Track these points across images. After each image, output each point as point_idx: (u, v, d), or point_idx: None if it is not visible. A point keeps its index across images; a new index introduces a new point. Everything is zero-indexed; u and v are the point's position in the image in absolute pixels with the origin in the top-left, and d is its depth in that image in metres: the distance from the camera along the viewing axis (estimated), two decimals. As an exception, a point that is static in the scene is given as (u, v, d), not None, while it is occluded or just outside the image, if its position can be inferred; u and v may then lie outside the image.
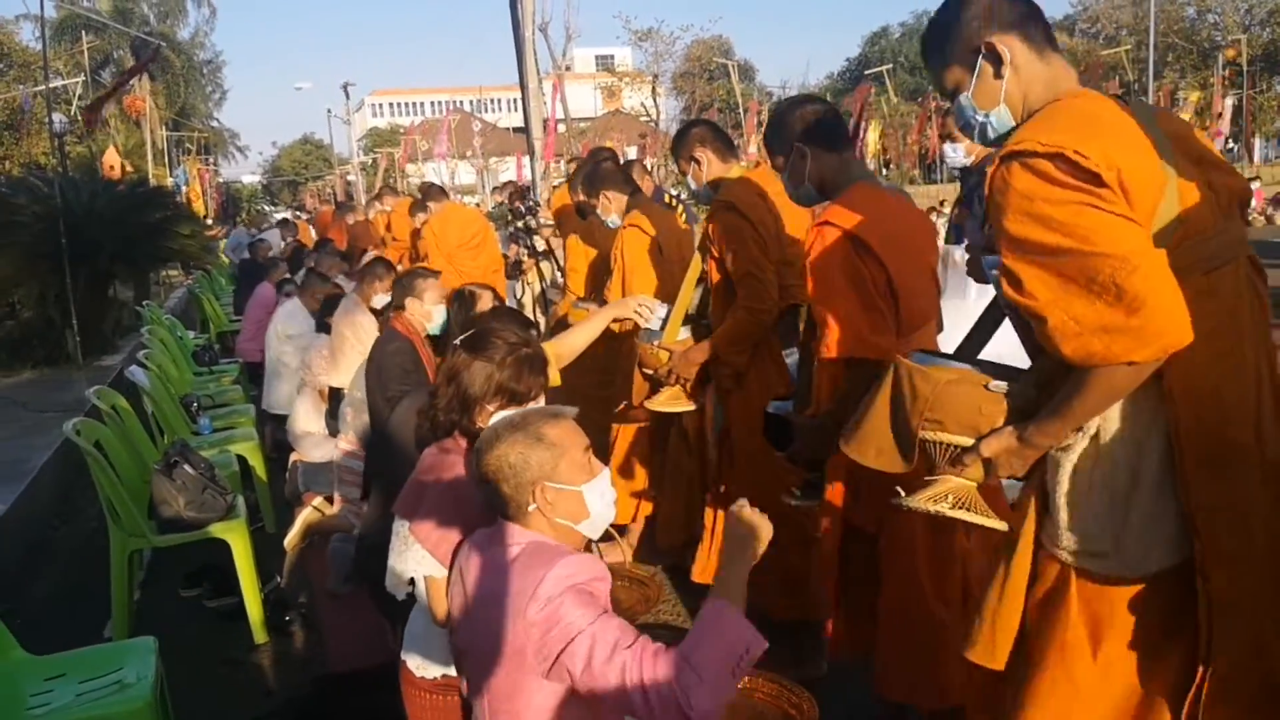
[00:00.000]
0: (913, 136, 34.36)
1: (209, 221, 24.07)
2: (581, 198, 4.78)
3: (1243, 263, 1.61)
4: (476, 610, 1.83)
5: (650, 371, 3.42)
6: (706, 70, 45.32)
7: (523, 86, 12.14)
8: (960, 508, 1.73)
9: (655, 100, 40.10)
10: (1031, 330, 1.54)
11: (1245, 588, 1.52)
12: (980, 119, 1.71)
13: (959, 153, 3.77)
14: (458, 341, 2.31)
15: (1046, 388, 1.61)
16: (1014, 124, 1.67)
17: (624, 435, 4.32)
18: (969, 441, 1.69)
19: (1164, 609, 1.59)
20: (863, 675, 2.97)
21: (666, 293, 3.70)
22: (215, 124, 45.98)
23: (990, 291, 1.64)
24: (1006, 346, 1.91)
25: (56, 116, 14.06)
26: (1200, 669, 1.54)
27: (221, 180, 42.00)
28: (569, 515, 1.87)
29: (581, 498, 1.87)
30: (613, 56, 55.22)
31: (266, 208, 45.60)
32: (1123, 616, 1.62)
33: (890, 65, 44.09)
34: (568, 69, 32.22)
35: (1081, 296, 1.44)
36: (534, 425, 1.87)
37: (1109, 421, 1.57)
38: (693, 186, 3.35)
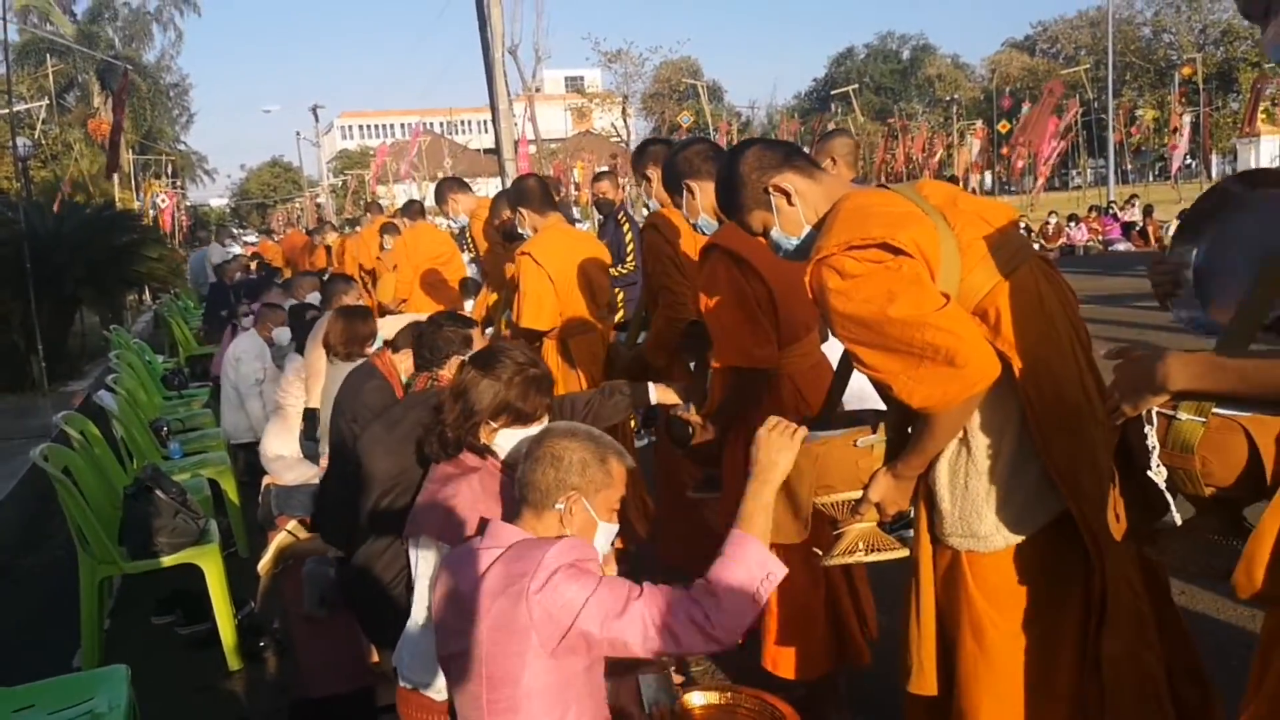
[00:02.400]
0: (879, 155, 34.81)
1: (176, 245, 23.83)
2: (504, 220, 5.02)
3: (1033, 259, 1.92)
4: (471, 604, 1.84)
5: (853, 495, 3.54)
6: (676, 91, 45.67)
7: (493, 108, 12.20)
8: (873, 551, 2.05)
9: (625, 121, 40.30)
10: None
11: (1104, 516, 1.68)
12: (793, 243, 2.06)
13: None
14: (467, 358, 2.40)
15: (900, 428, 1.95)
16: (814, 233, 2.00)
17: None
18: (859, 493, 2.01)
19: (1048, 564, 1.84)
20: (851, 687, 2.99)
21: (568, 309, 3.99)
22: (183, 147, 45.57)
23: None
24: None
25: (20, 141, 13.89)
26: (1083, 602, 1.80)
27: (189, 204, 41.61)
28: (578, 534, 1.91)
29: (595, 528, 1.94)
30: (582, 78, 55.55)
31: (235, 230, 45.23)
32: (1015, 581, 1.86)
33: (856, 85, 44.73)
34: (538, 90, 32.32)
35: (913, 363, 1.74)
36: (608, 450, 1.95)
37: (971, 420, 1.84)
38: (645, 200, 3.70)
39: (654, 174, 3.51)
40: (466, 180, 7.00)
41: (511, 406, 2.25)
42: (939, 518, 1.91)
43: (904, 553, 2.04)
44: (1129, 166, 40.28)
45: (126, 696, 2.55)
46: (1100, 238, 19.13)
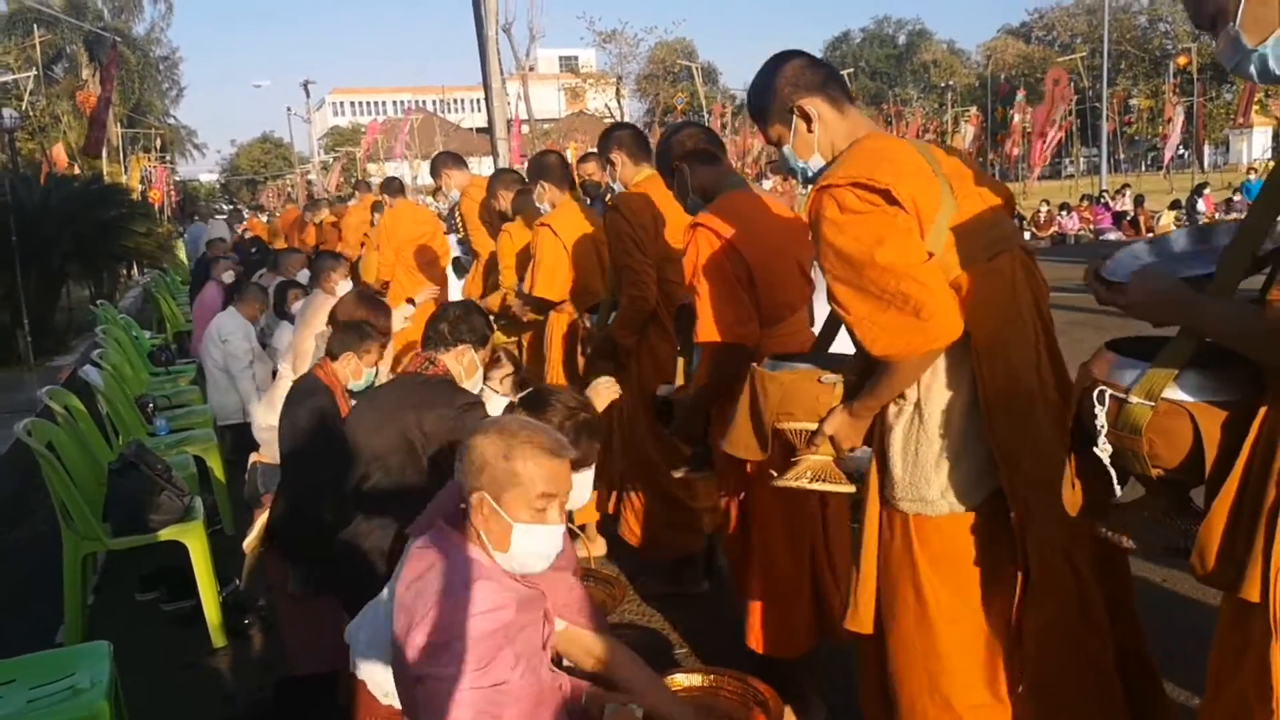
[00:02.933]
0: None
1: (166, 220, 23.64)
2: (501, 204, 5.20)
3: (1016, 251, 1.99)
4: (392, 630, 1.84)
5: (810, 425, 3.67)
6: (670, 73, 45.45)
7: (486, 87, 12.10)
8: (817, 480, 2.16)
9: (619, 102, 40.13)
10: None
11: (1045, 503, 1.78)
12: (800, 165, 2.10)
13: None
14: (516, 400, 2.35)
15: (863, 372, 2.01)
16: (825, 166, 2.04)
17: None
18: (814, 425, 2.11)
19: (988, 536, 1.92)
20: (831, 665, 3.00)
21: (580, 287, 4.19)
22: (172, 121, 45.18)
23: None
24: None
25: (6, 112, 13.71)
26: (1020, 577, 1.87)
27: (179, 179, 41.28)
28: (491, 538, 1.84)
29: (509, 532, 1.81)
30: (576, 58, 55.20)
31: (225, 206, 44.90)
32: (956, 548, 1.94)
33: (851, 70, 44.55)
34: (531, 69, 32.13)
35: (881, 308, 1.82)
36: (518, 445, 1.81)
37: (926, 390, 1.92)
38: (610, 183, 3.82)
39: (618, 158, 3.68)
40: (464, 158, 6.95)
41: None
42: (890, 481, 2.00)
43: (850, 489, 2.15)
44: (1122, 156, 40.32)
45: (108, 672, 2.54)
46: (1091, 227, 19.18)
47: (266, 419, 4.74)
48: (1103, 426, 1.48)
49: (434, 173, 6.30)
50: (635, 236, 3.61)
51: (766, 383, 2.15)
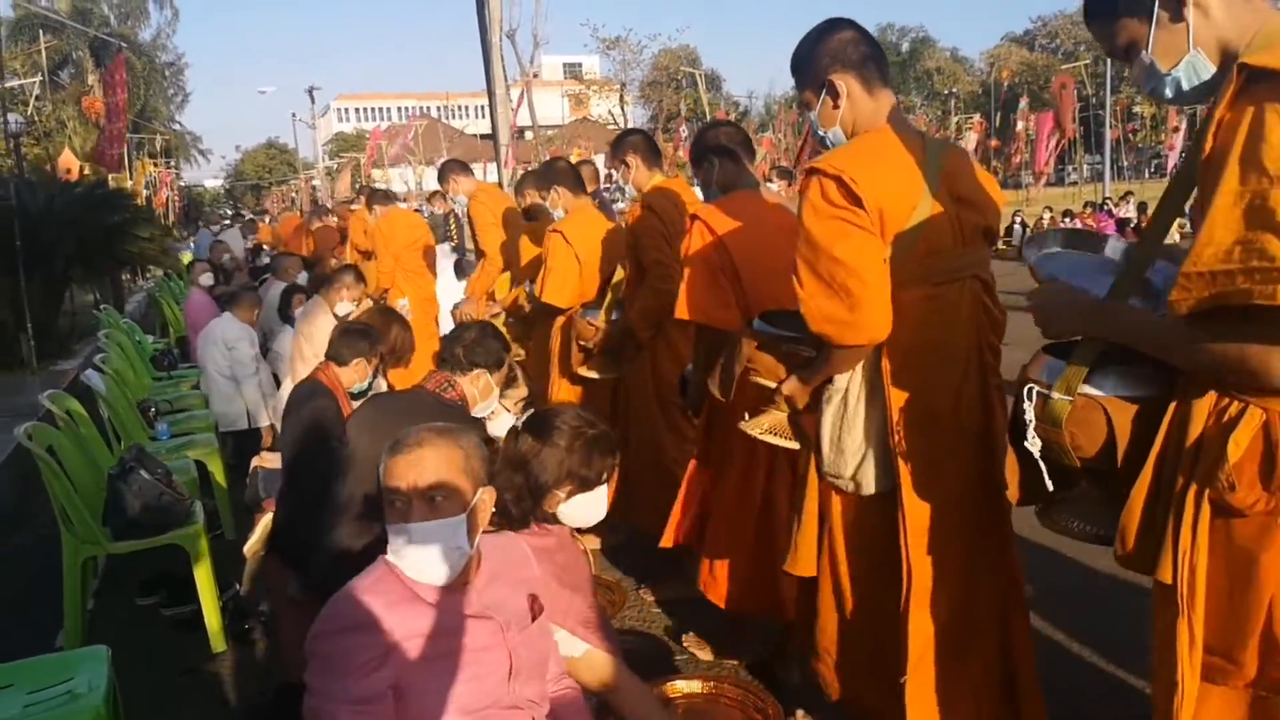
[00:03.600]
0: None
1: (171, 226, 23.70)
2: (528, 201, 5.27)
3: (971, 280, 2.12)
4: None
5: (585, 343, 3.99)
6: (674, 79, 45.50)
7: (490, 93, 12.12)
8: (769, 434, 2.43)
9: (623, 108, 40.19)
10: None
11: (935, 510, 2.04)
12: (821, 134, 2.20)
13: None
14: (520, 425, 2.33)
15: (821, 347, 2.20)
16: (845, 141, 2.15)
17: None
18: (774, 384, 2.35)
19: (887, 525, 2.10)
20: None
21: (586, 290, 4.26)
22: (177, 127, 45.29)
23: None
24: None
25: (12, 117, 13.76)
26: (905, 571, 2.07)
27: (183, 184, 41.38)
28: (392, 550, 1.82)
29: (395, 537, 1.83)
30: (580, 64, 55.31)
31: (228, 212, 44.92)
32: (860, 527, 2.18)
33: (855, 76, 44.44)
34: (535, 76, 32.16)
35: (824, 292, 2.00)
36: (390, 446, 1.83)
37: (853, 384, 2.11)
38: (622, 185, 3.94)
39: (633, 161, 3.82)
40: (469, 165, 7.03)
41: (576, 474, 2.21)
42: (820, 456, 2.19)
43: (795, 445, 2.41)
44: (1125, 163, 40.27)
45: (107, 677, 2.53)
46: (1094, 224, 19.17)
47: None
48: (1031, 421, 1.58)
49: (441, 179, 6.40)
50: (665, 232, 3.70)
51: (744, 344, 2.45)
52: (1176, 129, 28.30)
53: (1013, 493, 1.70)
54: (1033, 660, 2.20)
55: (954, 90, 47.67)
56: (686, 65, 43.19)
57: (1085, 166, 41.21)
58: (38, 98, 21.16)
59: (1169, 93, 1.50)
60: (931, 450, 2.04)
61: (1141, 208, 19.80)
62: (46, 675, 2.56)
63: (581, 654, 2.12)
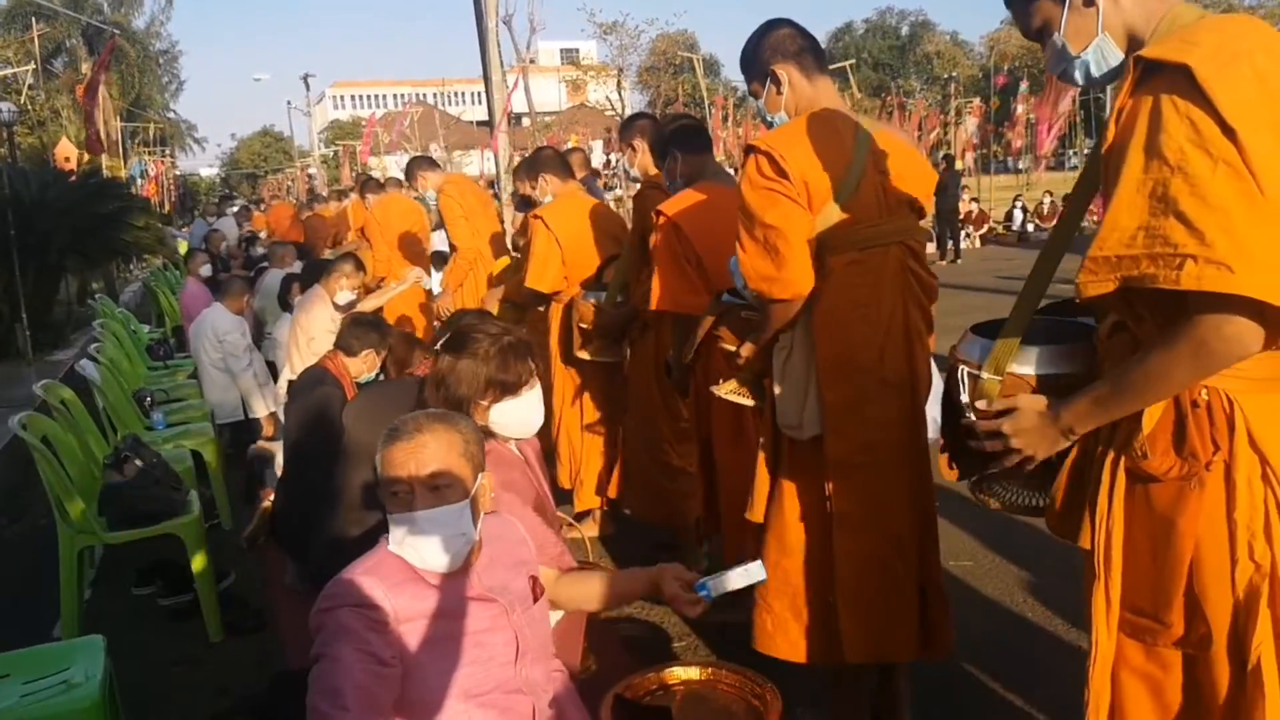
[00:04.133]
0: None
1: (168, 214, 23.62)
2: (527, 190, 5.24)
3: (897, 247, 2.36)
4: None
5: (584, 325, 4.04)
6: (671, 65, 45.29)
7: (486, 79, 12.04)
8: (733, 394, 2.65)
9: (620, 94, 40.02)
10: None
11: (854, 448, 2.29)
12: (769, 119, 2.47)
13: None
14: (438, 347, 2.30)
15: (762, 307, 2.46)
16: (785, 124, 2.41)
17: (569, 418, 4.33)
18: (733, 348, 2.69)
19: (822, 461, 2.34)
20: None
21: (571, 274, 4.25)
22: (172, 115, 45.09)
23: None
24: None
25: (5, 106, 13.68)
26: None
27: (179, 173, 41.22)
28: (394, 539, 1.83)
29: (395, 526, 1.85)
30: (577, 50, 55.06)
31: (234, 201, 44.80)
32: (805, 466, 2.40)
33: (854, 60, 44.36)
34: (532, 62, 32.02)
35: (759, 253, 2.29)
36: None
37: (795, 339, 2.36)
38: (628, 168, 4.01)
39: (639, 145, 3.83)
40: (459, 151, 7.03)
41: (495, 380, 2.20)
42: (772, 409, 2.44)
43: (751, 402, 2.64)
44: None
45: (103, 667, 2.53)
46: (1095, 218, 19.12)
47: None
48: (966, 401, 1.67)
49: (409, 177, 6.47)
50: None
51: (712, 307, 2.78)
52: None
53: (949, 469, 1.81)
54: (940, 575, 2.51)
55: (953, 74, 47.49)
56: (684, 50, 42.95)
57: (1086, 151, 41.09)
58: (31, 86, 21.03)
59: (1079, 76, 1.56)
60: (853, 396, 2.29)
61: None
62: (43, 665, 2.55)
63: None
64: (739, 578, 1.98)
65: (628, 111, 37.16)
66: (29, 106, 19.51)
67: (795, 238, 2.25)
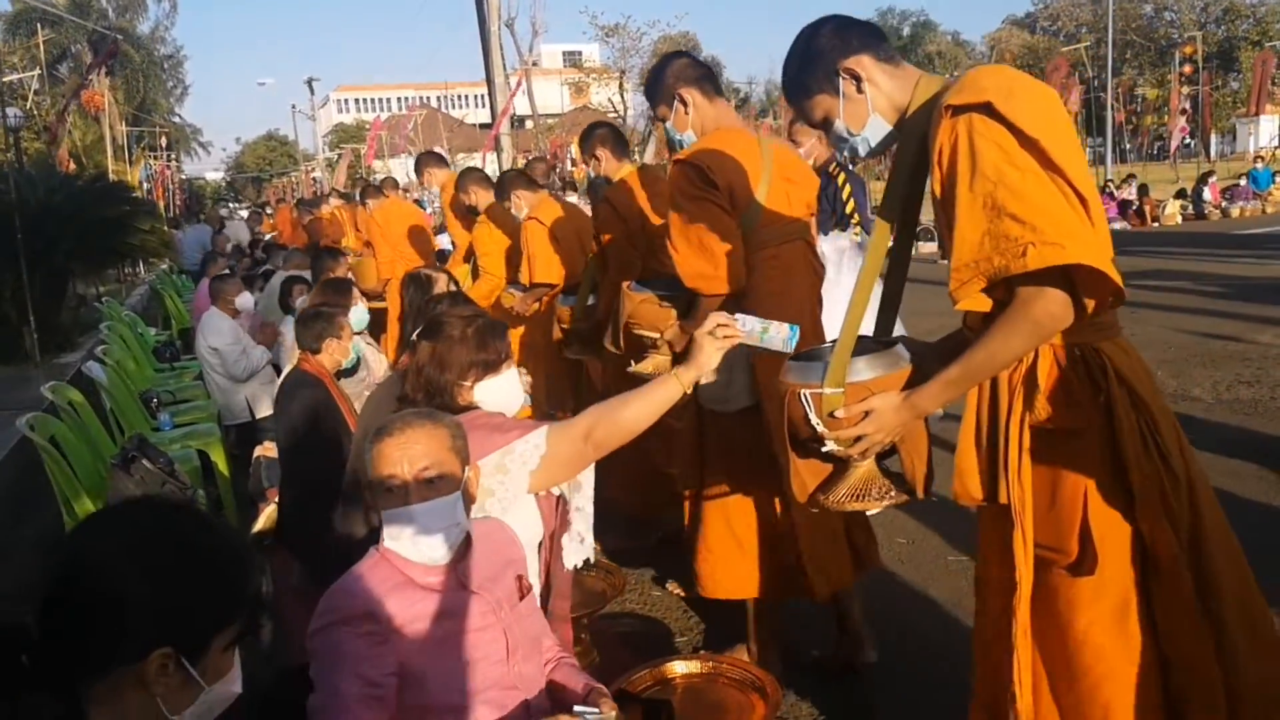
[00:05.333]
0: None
1: (175, 218, 23.67)
2: (471, 200, 5.54)
3: (799, 242, 2.79)
4: None
5: (564, 325, 4.16)
6: (674, 66, 45.23)
7: (489, 82, 12.12)
8: (656, 371, 2.84)
9: (623, 96, 40.04)
10: None
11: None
12: (678, 137, 2.83)
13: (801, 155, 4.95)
14: (414, 336, 2.33)
15: (690, 302, 2.78)
16: (694, 140, 2.77)
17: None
18: (656, 335, 2.93)
19: (756, 427, 2.66)
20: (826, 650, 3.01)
21: (569, 272, 4.58)
22: (177, 120, 45.23)
23: (846, 273, 2.33)
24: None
25: (11, 111, 13.77)
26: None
27: (184, 177, 41.35)
28: (389, 535, 1.86)
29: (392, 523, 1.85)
30: (580, 52, 55.09)
31: (232, 205, 44.82)
32: (735, 435, 2.74)
33: (856, 61, 44.22)
34: (535, 65, 32.07)
35: (693, 253, 2.63)
36: (368, 448, 1.86)
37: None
38: (590, 174, 4.36)
39: (602, 153, 4.07)
40: (463, 154, 7.12)
41: (477, 360, 2.23)
42: (700, 388, 2.58)
43: (651, 374, 2.81)
44: (1127, 145, 40.11)
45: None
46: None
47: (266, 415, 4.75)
48: (815, 420, 1.80)
49: (418, 171, 6.63)
50: (623, 221, 3.96)
51: (625, 300, 2.97)
52: (1185, 113, 28.14)
53: (801, 490, 1.93)
54: (872, 533, 2.98)
55: (955, 74, 47.38)
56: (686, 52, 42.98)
57: (1088, 149, 41.05)
58: (37, 92, 21.12)
59: (862, 150, 1.88)
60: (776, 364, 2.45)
61: (1144, 190, 19.73)
62: (52, 661, 2.58)
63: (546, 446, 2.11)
64: (773, 334, 2.07)
65: (630, 113, 37.18)
66: (35, 112, 19.57)
67: (727, 239, 2.58)
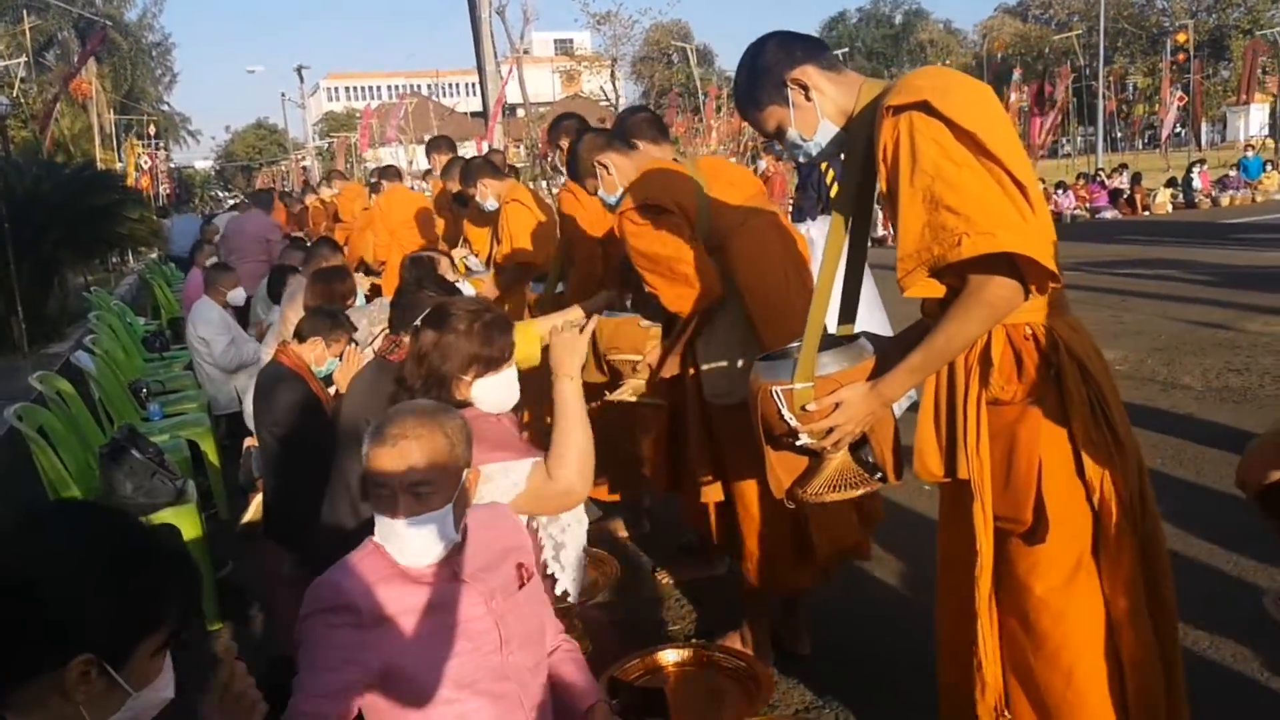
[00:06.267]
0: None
1: (164, 208, 23.54)
2: (457, 188, 5.52)
3: (767, 214, 2.86)
4: None
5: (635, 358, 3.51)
6: (665, 55, 45.19)
7: (480, 70, 12.06)
8: (635, 396, 2.99)
9: (614, 84, 39.91)
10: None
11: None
12: (609, 199, 3.01)
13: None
14: (419, 322, 2.30)
15: (670, 321, 2.93)
16: (624, 193, 2.90)
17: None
18: (639, 357, 2.99)
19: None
20: (815, 640, 3.02)
21: (545, 254, 4.57)
22: (165, 108, 44.89)
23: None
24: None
25: (-2, 99, 13.64)
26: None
27: (173, 166, 41.08)
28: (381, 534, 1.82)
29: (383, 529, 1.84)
30: (571, 40, 54.85)
31: (222, 194, 44.61)
32: (736, 427, 2.62)
33: (847, 49, 44.26)
34: (526, 53, 31.91)
35: (671, 283, 2.74)
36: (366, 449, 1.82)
37: (716, 321, 2.78)
38: (557, 164, 4.41)
39: (566, 144, 3.97)
40: (454, 143, 7.09)
41: (478, 356, 2.20)
42: (698, 384, 2.82)
43: (656, 402, 2.97)
44: (1119, 134, 40.16)
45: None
46: (1088, 205, 19.13)
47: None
48: (789, 415, 1.87)
49: (429, 153, 6.56)
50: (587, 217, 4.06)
51: (601, 326, 3.01)
52: (1167, 99, 28.19)
53: (778, 485, 2.02)
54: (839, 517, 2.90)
55: (947, 63, 47.40)
56: (678, 40, 42.84)
57: (1079, 138, 41.09)
58: (23, 80, 20.90)
59: (815, 154, 1.99)
60: (786, 330, 2.48)
61: (1135, 179, 19.76)
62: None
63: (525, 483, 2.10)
64: None
65: (621, 101, 37.08)
66: (21, 100, 19.39)
67: (693, 257, 2.70)
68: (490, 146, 12.86)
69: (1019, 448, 1.79)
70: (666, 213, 2.70)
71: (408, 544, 1.74)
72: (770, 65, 1.95)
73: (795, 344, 1.99)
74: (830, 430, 1.87)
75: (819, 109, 1.94)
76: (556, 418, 2.15)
